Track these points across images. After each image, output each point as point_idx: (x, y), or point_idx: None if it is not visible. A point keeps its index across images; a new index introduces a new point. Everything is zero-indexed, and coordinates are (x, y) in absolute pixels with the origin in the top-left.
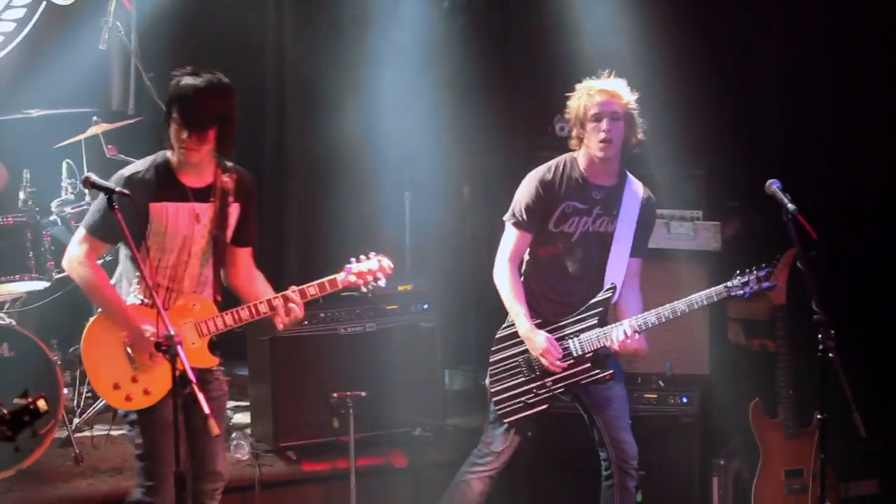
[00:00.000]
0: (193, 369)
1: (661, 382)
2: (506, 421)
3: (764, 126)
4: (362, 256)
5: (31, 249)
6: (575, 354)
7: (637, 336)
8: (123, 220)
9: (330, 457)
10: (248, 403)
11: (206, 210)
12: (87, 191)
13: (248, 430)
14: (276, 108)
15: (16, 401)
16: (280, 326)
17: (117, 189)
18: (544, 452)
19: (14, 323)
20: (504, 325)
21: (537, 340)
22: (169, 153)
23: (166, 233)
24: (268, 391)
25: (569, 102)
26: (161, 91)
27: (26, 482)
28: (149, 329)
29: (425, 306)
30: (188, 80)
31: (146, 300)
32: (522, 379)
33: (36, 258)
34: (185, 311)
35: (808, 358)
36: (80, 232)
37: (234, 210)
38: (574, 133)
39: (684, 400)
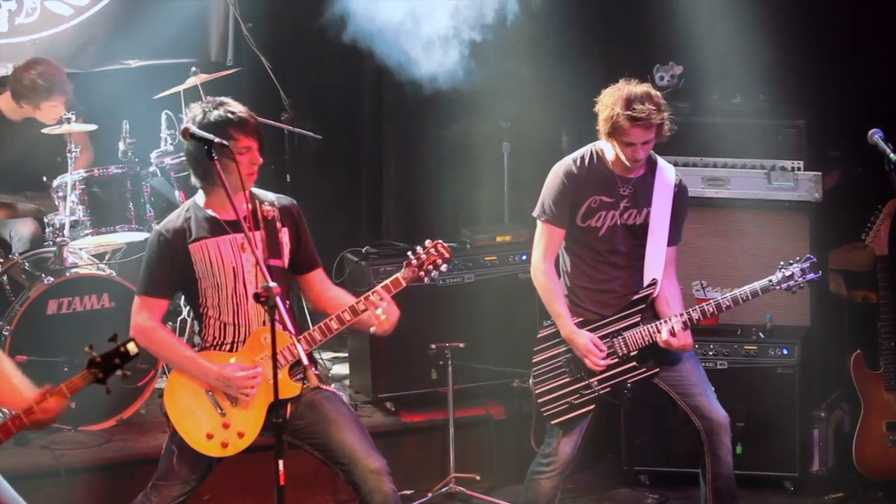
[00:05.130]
0: (282, 401)
1: (761, 334)
2: (552, 423)
3: (866, 75)
4: (418, 247)
5: (131, 200)
6: (619, 353)
7: (685, 332)
8: (168, 267)
9: (428, 408)
10: (346, 355)
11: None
12: (185, 141)
13: (347, 382)
14: (374, 67)
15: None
16: (378, 329)
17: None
18: (643, 404)
19: (114, 274)
20: (546, 324)
21: (580, 341)
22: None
23: (213, 269)
24: (366, 343)
25: (600, 104)
26: (259, 42)
27: (126, 432)
28: (227, 366)
29: (523, 257)
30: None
31: (216, 338)
32: (567, 380)
33: (136, 209)
34: (256, 346)
35: None
36: (136, 301)
37: (284, 235)
38: (601, 129)
39: (784, 352)
